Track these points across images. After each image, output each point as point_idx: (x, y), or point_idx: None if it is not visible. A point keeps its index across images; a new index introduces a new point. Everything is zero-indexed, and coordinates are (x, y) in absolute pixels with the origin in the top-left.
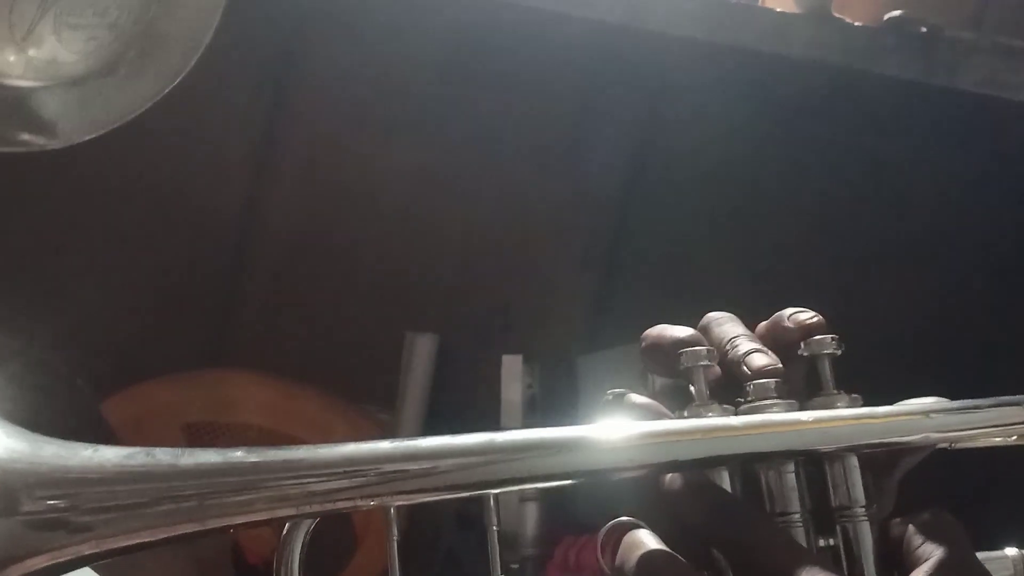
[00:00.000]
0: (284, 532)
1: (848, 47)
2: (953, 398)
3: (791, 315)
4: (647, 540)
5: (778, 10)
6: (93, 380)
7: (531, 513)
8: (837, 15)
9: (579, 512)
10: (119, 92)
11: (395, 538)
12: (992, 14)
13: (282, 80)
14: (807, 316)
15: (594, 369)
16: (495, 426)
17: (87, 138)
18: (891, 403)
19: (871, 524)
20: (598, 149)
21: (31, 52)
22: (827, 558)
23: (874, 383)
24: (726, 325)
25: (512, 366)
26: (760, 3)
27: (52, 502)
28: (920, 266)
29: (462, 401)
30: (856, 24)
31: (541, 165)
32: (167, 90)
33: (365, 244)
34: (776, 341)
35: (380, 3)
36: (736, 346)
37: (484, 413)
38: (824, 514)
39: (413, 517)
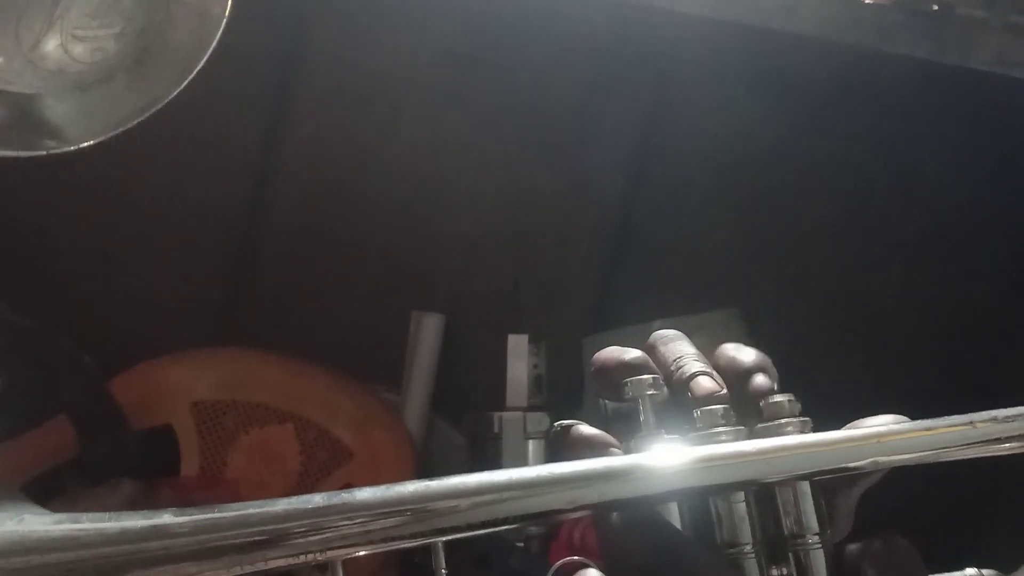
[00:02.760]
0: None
1: (858, 25)
2: (963, 386)
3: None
4: None
5: None
6: (101, 359)
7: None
8: None
9: None
10: (125, 97)
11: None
12: None
13: (288, 63)
14: (747, 359)
15: (600, 349)
16: (501, 404)
17: (95, 142)
18: (895, 394)
19: (824, 551)
20: (606, 129)
21: (38, 62)
22: None
23: (878, 369)
24: (672, 344)
25: (518, 345)
26: None
27: None
28: (931, 246)
29: (468, 380)
30: (866, 2)
31: (548, 145)
32: (173, 95)
33: (372, 224)
34: (724, 365)
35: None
36: (681, 367)
37: (490, 392)
38: (777, 542)
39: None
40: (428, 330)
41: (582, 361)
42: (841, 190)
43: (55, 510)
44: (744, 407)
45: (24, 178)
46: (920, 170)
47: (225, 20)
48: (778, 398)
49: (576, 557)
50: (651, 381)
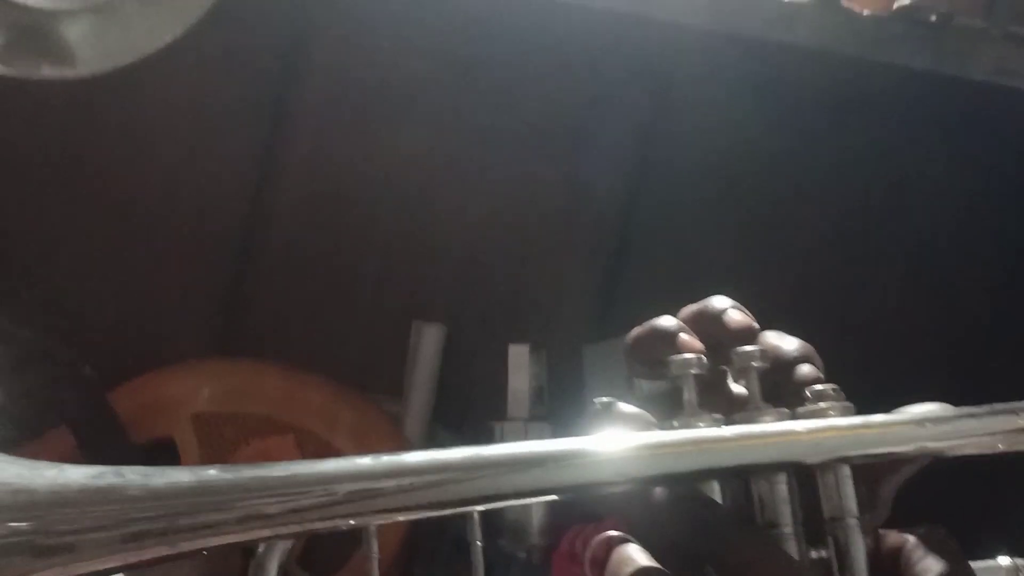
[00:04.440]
0: (258, 554)
1: (857, 36)
2: (961, 396)
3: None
4: (637, 556)
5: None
6: (101, 371)
7: (537, 503)
8: (846, 4)
9: (586, 501)
10: (140, 21)
11: (375, 556)
12: (1003, 2)
13: (288, 73)
14: (795, 345)
15: (601, 358)
16: (502, 414)
17: (105, 69)
18: (895, 404)
19: (864, 535)
20: (605, 138)
21: None
22: (819, 570)
23: (878, 379)
24: (722, 318)
25: (519, 355)
26: None
27: (15, 524)
28: (931, 256)
29: (469, 390)
30: (864, 13)
31: (548, 155)
32: (189, 26)
33: (372, 235)
34: (767, 353)
35: (390, 2)
36: (713, 305)
37: (491, 402)
38: (816, 524)
39: None
40: (428, 340)
41: (583, 370)
42: (840, 200)
43: None
44: (786, 396)
45: (25, 189)
46: (920, 180)
47: None
48: (825, 386)
49: (615, 532)
50: (696, 360)
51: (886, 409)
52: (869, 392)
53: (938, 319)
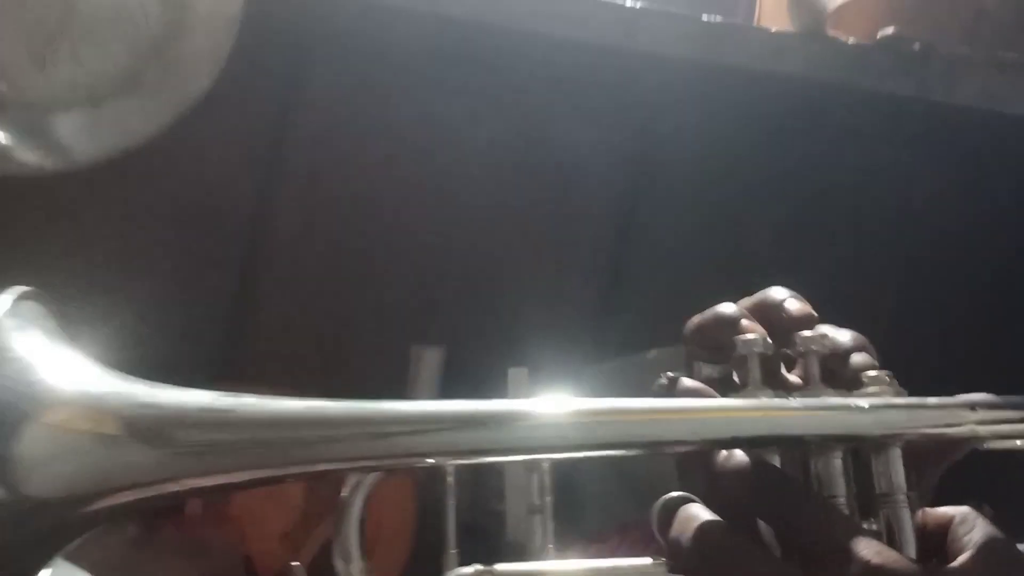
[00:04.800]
0: (350, 486)
1: (843, 65)
2: None
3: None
4: (701, 512)
5: (773, 29)
6: None
7: (538, 523)
8: (831, 34)
9: (588, 521)
10: (135, 114)
11: (453, 500)
12: (986, 28)
13: (285, 106)
14: (849, 336)
15: (600, 380)
16: None
17: (101, 159)
18: None
19: (912, 512)
20: (598, 164)
21: (50, 74)
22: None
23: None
24: (784, 307)
25: (518, 378)
26: (755, 23)
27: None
28: (919, 281)
29: None
30: (850, 41)
31: (542, 181)
32: (182, 112)
33: (370, 261)
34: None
35: (384, 25)
36: (773, 295)
37: None
38: (867, 501)
39: (423, 497)
40: (428, 364)
41: (583, 391)
42: (831, 223)
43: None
44: (843, 383)
45: (18, 231)
46: (907, 204)
47: (235, 34)
48: (879, 372)
49: (679, 492)
50: (761, 340)
51: None
52: None
53: (928, 341)
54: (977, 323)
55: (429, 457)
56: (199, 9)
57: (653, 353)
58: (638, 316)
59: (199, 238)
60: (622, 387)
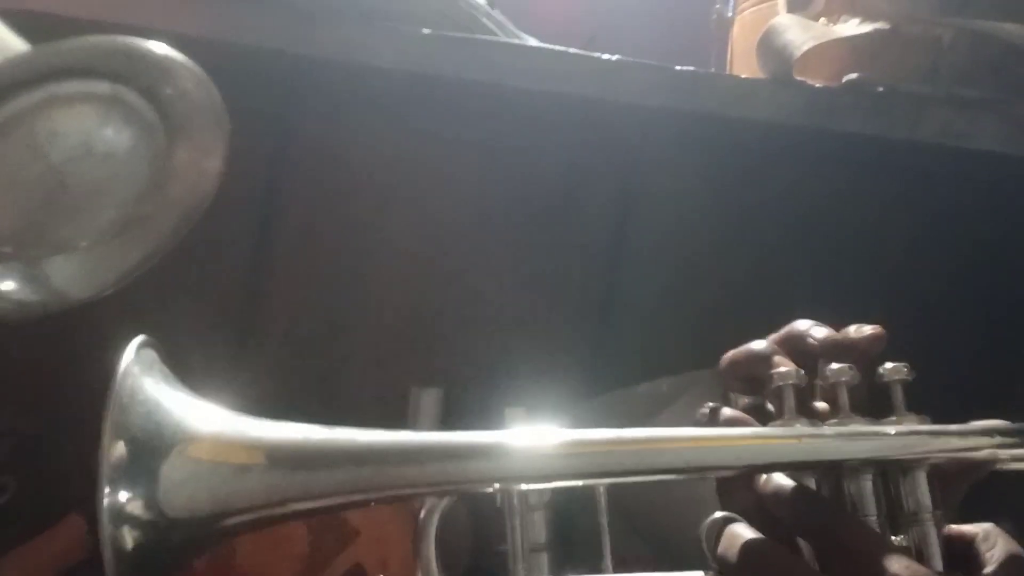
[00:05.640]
0: (426, 509)
1: (811, 108)
2: None
3: (856, 328)
4: (745, 531)
5: (743, 76)
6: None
7: (541, 561)
8: (799, 78)
9: (586, 557)
10: (127, 253)
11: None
12: (945, 67)
13: (279, 151)
14: (871, 328)
15: (594, 415)
16: None
17: (97, 296)
18: None
19: (938, 528)
20: (586, 209)
21: (44, 235)
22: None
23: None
24: (809, 337)
25: (516, 419)
26: (728, 70)
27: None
28: (894, 310)
29: None
30: (816, 86)
31: (534, 225)
32: (171, 246)
33: (367, 305)
34: (846, 348)
35: (373, 81)
36: (798, 327)
37: None
38: (896, 519)
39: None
40: (427, 404)
41: (580, 427)
42: (805, 256)
43: None
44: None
45: None
46: (879, 235)
47: (220, 175)
48: (896, 364)
49: (724, 513)
50: (795, 372)
51: None
52: None
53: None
54: (951, 346)
55: (496, 482)
56: (185, 163)
57: (642, 387)
58: (627, 352)
59: (195, 286)
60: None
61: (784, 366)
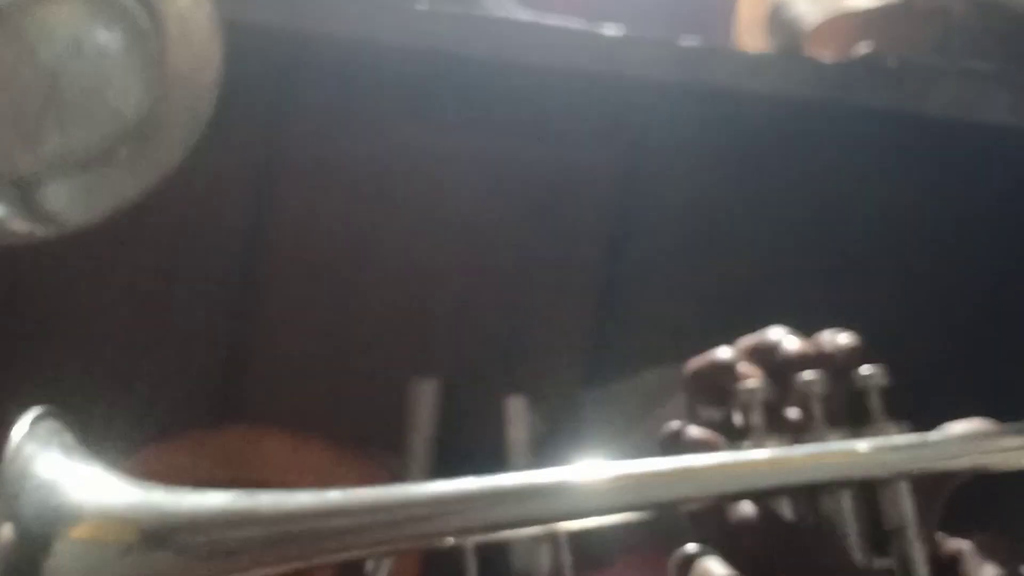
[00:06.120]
0: (368, 569)
1: (820, 82)
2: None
3: (831, 338)
4: (717, 568)
5: (751, 50)
6: (100, 447)
7: (544, 550)
8: (808, 53)
9: (593, 547)
10: (122, 178)
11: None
12: (955, 40)
13: (274, 139)
14: (848, 339)
15: (598, 404)
16: (503, 466)
17: (88, 224)
18: None
19: (923, 542)
20: (587, 189)
21: (37, 148)
22: None
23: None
24: (780, 347)
25: (516, 407)
26: (735, 44)
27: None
28: (904, 287)
29: (469, 443)
30: (827, 60)
31: (534, 208)
32: (166, 174)
33: (365, 297)
34: (819, 361)
35: (369, 58)
36: (769, 337)
37: (491, 455)
38: (878, 535)
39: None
40: (426, 395)
41: (581, 416)
42: (813, 234)
43: None
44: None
45: (19, 264)
46: (891, 212)
47: (217, 91)
48: (873, 369)
49: (695, 546)
50: (762, 387)
51: None
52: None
53: (921, 346)
54: (957, 323)
55: (446, 537)
56: (179, 73)
57: (648, 375)
58: (632, 337)
59: (191, 279)
60: (620, 410)
61: (751, 378)
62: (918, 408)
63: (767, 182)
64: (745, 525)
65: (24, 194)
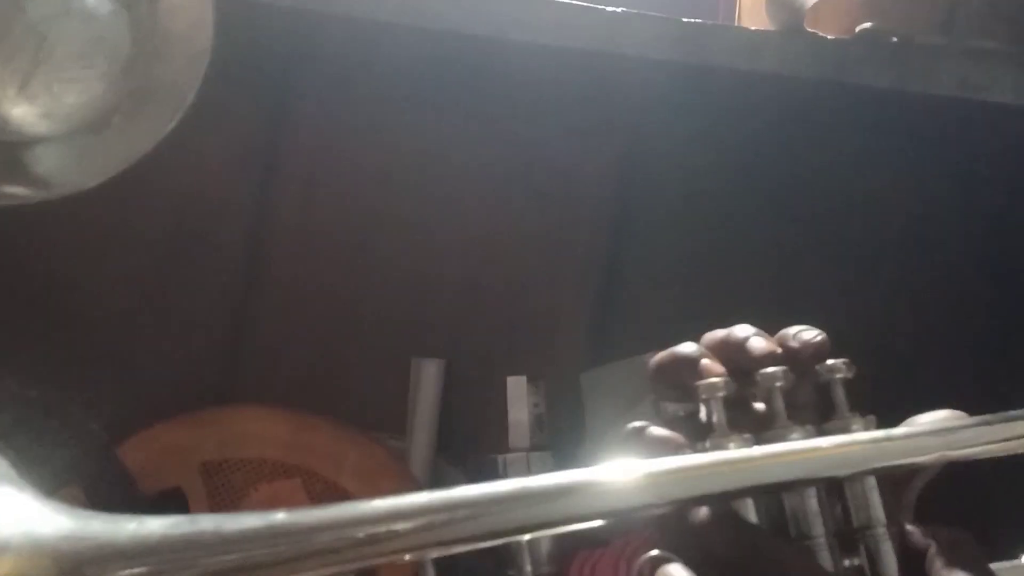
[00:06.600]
0: None
1: (822, 60)
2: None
3: (796, 334)
4: (680, 574)
5: (752, 28)
6: (106, 424)
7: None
8: (810, 30)
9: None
10: (113, 143)
11: None
12: (961, 18)
13: (277, 117)
14: (813, 335)
15: (597, 384)
16: (504, 446)
17: (80, 189)
18: (896, 416)
19: (892, 541)
20: (587, 171)
21: (25, 107)
22: None
23: (875, 402)
24: (747, 344)
25: (517, 387)
26: (736, 22)
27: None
28: (907, 270)
29: (471, 423)
30: (829, 37)
31: (535, 189)
32: (159, 140)
33: (368, 276)
34: (785, 359)
35: (369, 40)
36: (736, 334)
37: (493, 434)
38: (847, 534)
39: None
40: (428, 375)
41: (581, 397)
42: (819, 216)
43: None
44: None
45: (27, 248)
46: (893, 193)
47: (208, 56)
48: (837, 361)
49: (658, 552)
50: (723, 383)
51: (895, 421)
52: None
53: (926, 330)
54: (956, 304)
55: (399, 554)
56: (170, 37)
57: (650, 355)
58: (633, 318)
59: (194, 257)
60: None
61: (712, 375)
62: (926, 394)
63: (766, 160)
64: (709, 530)
65: (12, 155)
